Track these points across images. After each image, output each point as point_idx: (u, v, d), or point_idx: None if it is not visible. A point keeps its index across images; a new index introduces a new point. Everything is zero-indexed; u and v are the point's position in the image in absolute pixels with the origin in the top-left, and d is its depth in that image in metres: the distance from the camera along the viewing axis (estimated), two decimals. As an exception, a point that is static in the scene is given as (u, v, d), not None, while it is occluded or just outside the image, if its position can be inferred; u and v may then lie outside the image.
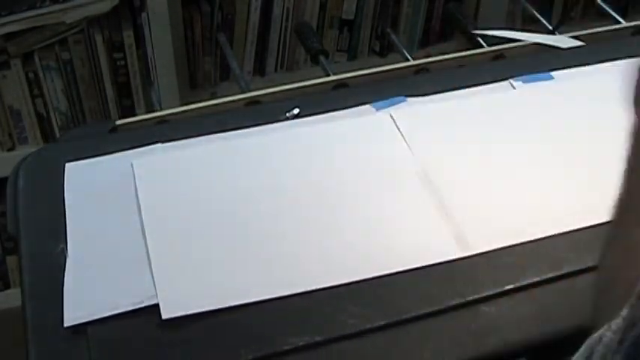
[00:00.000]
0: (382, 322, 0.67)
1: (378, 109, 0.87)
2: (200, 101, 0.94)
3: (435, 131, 0.85)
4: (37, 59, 1.38)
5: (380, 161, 0.81)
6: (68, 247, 0.73)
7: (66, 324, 0.66)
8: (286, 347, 0.65)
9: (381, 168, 0.81)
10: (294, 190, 0.78)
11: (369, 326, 0.67)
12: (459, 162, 0.81)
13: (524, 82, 0.92)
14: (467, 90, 0.91)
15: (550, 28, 1.14)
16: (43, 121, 1.45)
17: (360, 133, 0.85)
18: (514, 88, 0.91)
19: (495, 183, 0.79)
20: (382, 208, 0.77)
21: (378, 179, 0.79)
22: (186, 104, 0.93)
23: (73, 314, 0.67)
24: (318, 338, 0.66)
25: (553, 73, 0.93)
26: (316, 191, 0.78)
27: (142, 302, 0.68)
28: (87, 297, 0.68)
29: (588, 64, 0.95)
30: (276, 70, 1.64)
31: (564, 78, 0.93)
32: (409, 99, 0.89)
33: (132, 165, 0.80)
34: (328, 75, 1.01)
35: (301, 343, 0.65)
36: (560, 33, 1.08)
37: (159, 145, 0.83)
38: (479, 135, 0.85)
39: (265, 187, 0.79)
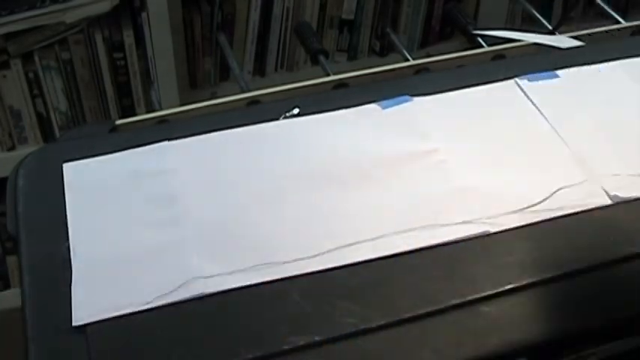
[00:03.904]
0: (382, 322, 0.67)
1: (384, 108, 0.88)
2: (200, 101, 0.94)
3: None
4: (37, 59, 1.38)
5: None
6: (72, 247, 0.73)
7: (74, 323, 0.66)
8: (286, 347, 0.65)
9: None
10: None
11: (368, 326, 0.67)
12: None
13: (529, 80, 0.92)
14: (473, 89, 0.91)
15: (550, 28, 1.14)
16: (43, 121, 1.45)
17: None
18: (520, 86, 0.91)
19: None
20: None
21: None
22: (186, 104, 0.93)
23: (82, 314, 0.67)
24: (317, 338, 0.65)
25: (557, 72, 0.93)
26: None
27: (151, 302, 0.68)
28: (95, 297, 0.68)
29: (589, 63, 0.95)
30: (276, 70, 1.64)
31: (570, 76, 0.93)
32: (415, 98, 0.89)
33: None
34: (328, 75, 1.01)
35: (301, 343, 0.65)
36: (560, 33, 1.08)
37: (165, 143, 0.84)
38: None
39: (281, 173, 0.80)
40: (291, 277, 0.70)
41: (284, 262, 0.71)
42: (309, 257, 0.71)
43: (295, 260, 0.71)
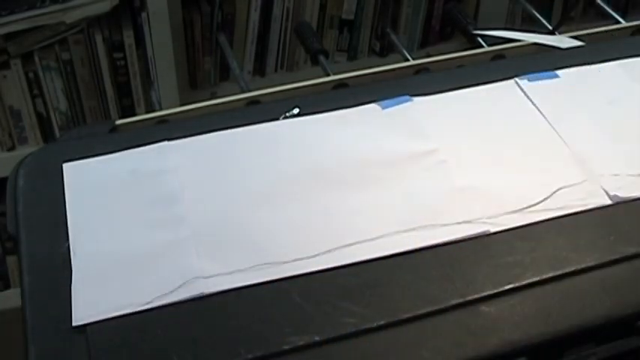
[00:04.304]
0: (382, 322, 0.67)
1: (384, 109, 0.88)
2: (200, 101, 0.94)
3: None
4: (37, 59, 1.38)
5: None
6: (72, 247, 0.73)
7: (74, 323, 0.66)
8: (286, 347, 0.65)
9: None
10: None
11: (368, 326, 0.67)
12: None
13: (529, 80, 0.92)
14: (473, 89, 0.91)
15: (550, 28, 1.14)
16: (43, 121, 1.45)
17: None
18: (520, 86, 0.91)
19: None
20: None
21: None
22: (186, 104, 0.93)
23: (82, 314, 0.67)
24: (317, 338, 0.65)
25: (557, 72, 0.93)
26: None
27: (151, 302, 0.68)
28: (95, 297, 0.68)
29: (589, 63, 0.95)
30: (276, 70, 1.64)
31: (570, 76, 0.93)
32: (415, 98, 0.89)
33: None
34: (328, 75, 1.01)
35: (301, 343, 0.65)
36: (560, 33, 1.08)
37: (165, 143, 0.83)
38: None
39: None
40: (291, 277, 0.70)
41: (284, 262, 0.71)
42: (308, 257, 0.71)
43: (295, 260, 0.71)
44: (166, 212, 0.76)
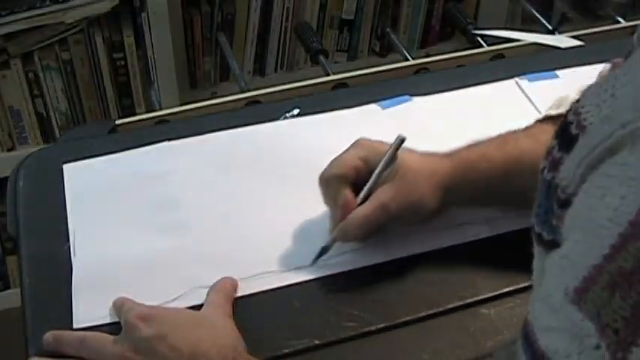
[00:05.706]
0: (381, 325, 0.67)
1: (384, 109, 0.88)
2: (200, 101, 0.94)
3: None
4: (37, 59, 1.38)
5: None
6: (72, 249, 0.72)
7: (75, 326, 0.66)
8: (286, 350, 0.65)
9: None
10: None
11: (367, 329, 0.66)
12: None
13: (529, 80, 0.92)
14: (472, 88, 0.91)
15: (550, 28, 1.14)
16: (43, 121, 1.45)
17: None
18: (520, 86, 0.91)
19: None
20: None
21: None
22: (186, 104, 0.93)
23: (82, 317, 0.67)
24: (317, 341, 0.65)
25: (557, 72, 0.93)
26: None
27: None
28: (95, 301, 0.68)
29: (588, 63, 0.95)
30: (276, 70, 1.64)
31: (570, 76, 0.93)
32: (414, 98, 0.89)
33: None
34: (328, 75, 1.01)
35: (301, 347, 0.65)
36: (560, 33, 1.08)
37: (165, 143, 0.83)
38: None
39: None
40: (291, 284, 0.70)
41: (284, 271, 0.70)
42: (308, 265, 0.71)
43: (295, 269, 0.71)
44: (167, 217, 0.75)
